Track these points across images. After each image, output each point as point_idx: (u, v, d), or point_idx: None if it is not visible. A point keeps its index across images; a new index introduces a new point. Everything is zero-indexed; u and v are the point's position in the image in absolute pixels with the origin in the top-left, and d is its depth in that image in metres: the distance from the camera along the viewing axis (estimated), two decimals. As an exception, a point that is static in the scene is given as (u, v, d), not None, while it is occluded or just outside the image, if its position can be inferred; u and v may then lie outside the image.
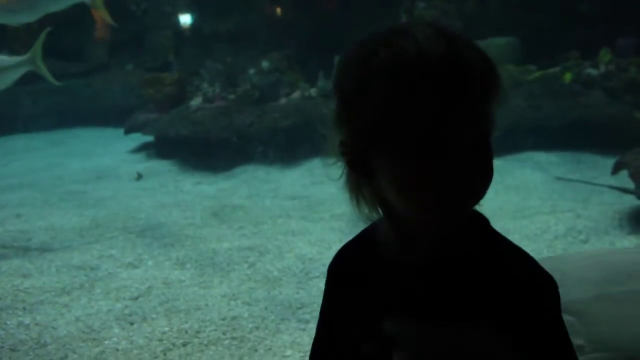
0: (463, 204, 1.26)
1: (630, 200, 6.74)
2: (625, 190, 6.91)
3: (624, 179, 7.00)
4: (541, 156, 9.01)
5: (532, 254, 1.41)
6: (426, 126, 1.20)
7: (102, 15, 6.64)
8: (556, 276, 2.83)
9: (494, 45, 10.18)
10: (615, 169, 7.03)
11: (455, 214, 1.27)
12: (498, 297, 1.28)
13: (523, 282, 1.30)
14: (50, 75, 7.25)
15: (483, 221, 1.37)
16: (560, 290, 2.69)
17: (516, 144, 8.94)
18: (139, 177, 9.32)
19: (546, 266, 1.39)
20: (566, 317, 2.64)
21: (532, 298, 1.29)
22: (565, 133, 9.16)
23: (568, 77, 9.64)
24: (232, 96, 10.52)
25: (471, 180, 1.24)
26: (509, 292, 1.28)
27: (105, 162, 10.40)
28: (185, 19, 13.48)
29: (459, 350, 1.30)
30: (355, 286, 1.43)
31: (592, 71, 9.70)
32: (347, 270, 1.47)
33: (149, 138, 10.91)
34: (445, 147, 1.20)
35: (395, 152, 1.23)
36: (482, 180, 1.26)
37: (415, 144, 1.21)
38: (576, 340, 2.65)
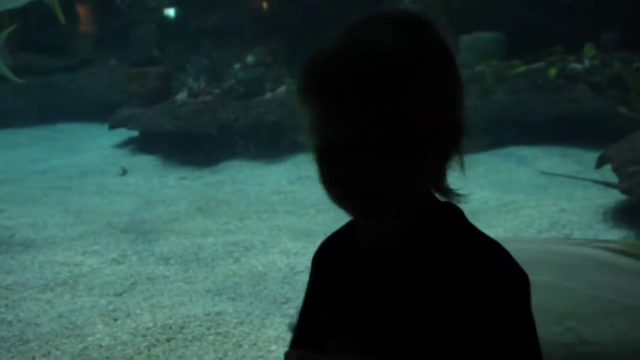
0: (371, 202, 1.25)
1: (614, 195, 6.77)
2: (608, 185, 6.95)
3: (607, 172, 7.03)
4: (526, 150, 9.04)
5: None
6: (321, 125, 1.23)
7: (56, 11, 6.54)
8: None
9: (479, 39, 10.20)
10: (600, 163, 7.06)
11: (368, 210, 1.26)
12: (454, 290, 1.25)
13: (483, 276, 1.25)
14: (10, 73, 7.14)
15: (453, 214, 1.34)
16: None
17: (501, 139, 8.96)
18: (124, 172, 9.28)
19: None
20: None
21: (491, 292, 1.24)
22: (550, 127, 9.19)
23: (553, 72, 9.68)
24: (217, 91, 10.49)
25: (376, 180, 1.22)
26: (466, 285, 1.24)
27: (90, 158, 10.34)
28: (170, 14, 13.42)
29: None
30: (333, 277, 1.43)
31: (577, 66, 9.73)
32: (328, 260, 1.48)
33: (134, 133, 10.86)
34: (341, 146, 1.21)
35: (313, 150, 1.27)
36: (390, 180, 1.23)
37: (317, 143, 1.25)
38: None
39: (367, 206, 1.26)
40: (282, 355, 4.17)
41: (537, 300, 2.77)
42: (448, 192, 1.33)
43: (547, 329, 2.71)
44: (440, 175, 1.31)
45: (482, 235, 1.32)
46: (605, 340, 2.75)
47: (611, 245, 2.98)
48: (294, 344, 1.54)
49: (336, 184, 1.25)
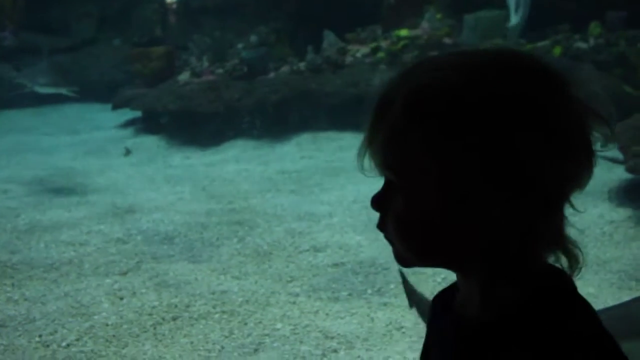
0: (399, 260, 1.17)
1: (618, 173, 6.76)
2: (614, 160, 6.92)
3: (612, 152, 7.00)
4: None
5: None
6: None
7: None
8: None
9: (483, 19, 10.15)
10: (604, 142, 7.03)
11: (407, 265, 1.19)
12: None
13: None
14: None
15: (555, 284, 1.13)
16: None
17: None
18: (128, 152, 9.28)
19: None
20: None
21: None
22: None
23: (557, 51, 9.63)
24: (220, 70, 10.45)
25: (392, 237, 1.14)
26: None
27: (93, 138, 10.34)
28: (173, -7, 13.34)
29: None
30: (433, 331, 1.34)
31: (582, 45, 9.68)
32: (434, 312, 1.35)
33: (137, 113, 10.85)
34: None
35: None
36: (397, 238, 1.13)
37: None
38: None
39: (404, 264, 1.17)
40: (287, 333, 4.20)
41: None
42: (563, 246, 1.16)
43: None
44: (544, 231, 1.13)
45: (585, 323, 1.08)
46: None
47: None
48: None
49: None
